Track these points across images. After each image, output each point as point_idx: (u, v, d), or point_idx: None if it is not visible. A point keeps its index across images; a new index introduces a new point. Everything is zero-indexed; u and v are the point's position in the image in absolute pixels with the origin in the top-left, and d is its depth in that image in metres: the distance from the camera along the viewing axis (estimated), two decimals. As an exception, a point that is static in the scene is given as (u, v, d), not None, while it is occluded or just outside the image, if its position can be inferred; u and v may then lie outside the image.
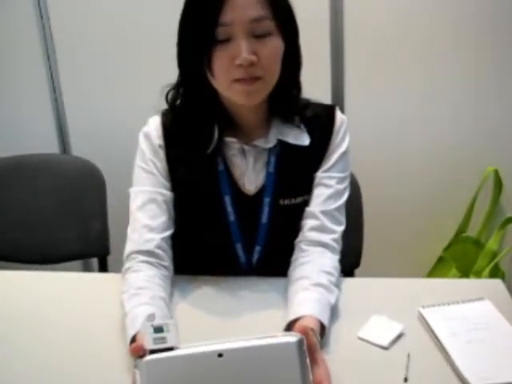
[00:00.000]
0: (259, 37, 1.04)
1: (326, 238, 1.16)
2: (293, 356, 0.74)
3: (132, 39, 2.10)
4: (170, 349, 0.74)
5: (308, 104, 1.20)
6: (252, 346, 0.74)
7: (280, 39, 1.07)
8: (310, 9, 1.90)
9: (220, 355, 0.73)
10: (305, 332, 0.78)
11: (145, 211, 1.15)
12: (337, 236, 1.18)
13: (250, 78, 1.04)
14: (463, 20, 1.95)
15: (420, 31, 1.97)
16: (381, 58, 2.02)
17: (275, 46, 1.07)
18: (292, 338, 0.75)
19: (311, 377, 0.75)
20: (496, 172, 2.07)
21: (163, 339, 0.74)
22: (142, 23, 2.07)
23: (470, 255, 2.11)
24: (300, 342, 0.75)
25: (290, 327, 0.97)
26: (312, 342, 0.80)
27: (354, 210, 1.37)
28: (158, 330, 0.74)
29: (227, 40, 1.03)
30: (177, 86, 1.16)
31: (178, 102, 1.17)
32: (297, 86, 1.17)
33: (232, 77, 1.05)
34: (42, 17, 2.09)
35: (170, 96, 1.17)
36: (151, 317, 0.80)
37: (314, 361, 0.80)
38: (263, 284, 1.19)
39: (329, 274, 1.10)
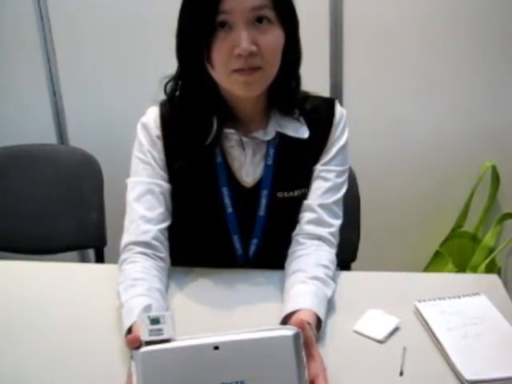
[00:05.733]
0: (259, 26, 1.03)
1: (323, 231, 1.16)
2: (289, 349, 0.73)
3: (131, 30, 2.09)
4: (166, 340, 0.73)
5: (307, 97, 1.19)
6: (248, 339, 0.74)
7: (280, 30, 1.07)
8: (309, 2, 1.90)
9: (216, 348, 0.72)
10: (301, 325, 0.77)
11: (142, 202, 1.15)
12: (334, 230, 1.18)
13: (249, 68, 1.04)
14: (461, 17, 1.94)
15: (419, 24, 1.96)
16: (380, 52, 2.01)
17: (275, 36, 1.06)
18: (288, 331, 0.75)
19: (307, 370, 0.75)
20: (494, 167, 2.07)
21: (159, 331, 0.74)
22: (142, 14, 2.06)
23: (467, 250, 2.12)
24: (296, 336, 0.75)
25: (286, 320, 0.98)
26: (308, 336, 0.80)
27: (351, 204, 1.36)
28: (155, 321, 0.74)
29: (227, 29, 1.03)
30: (176, 78, 1.15)
31: (177, 93, 1.16)
32: (296, 79, 1.17)
33: (231, 67, 1.04)
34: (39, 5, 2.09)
35: (168, 87, 1.16)
36: (147, 308, 0.80)
37: (309, 354, 0.79)
38: (260, 276, 1.19)
39: (325, 267, 1.10)
